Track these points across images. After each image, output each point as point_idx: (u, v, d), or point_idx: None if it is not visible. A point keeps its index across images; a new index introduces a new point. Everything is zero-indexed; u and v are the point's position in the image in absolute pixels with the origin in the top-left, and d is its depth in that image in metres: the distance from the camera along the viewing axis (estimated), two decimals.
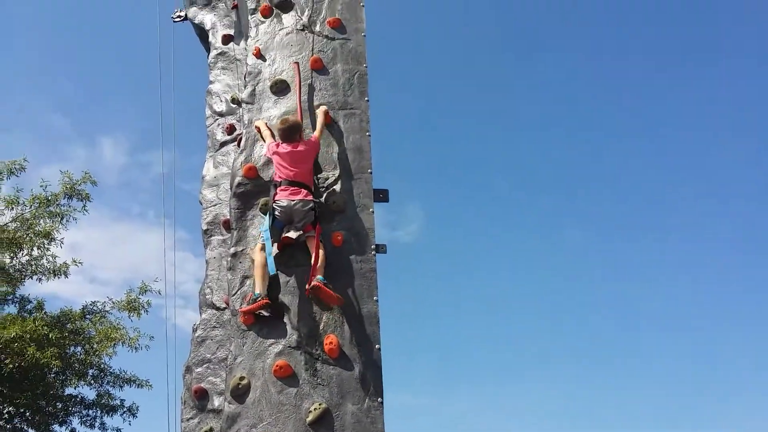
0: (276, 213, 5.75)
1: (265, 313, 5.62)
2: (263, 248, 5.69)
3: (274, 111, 6.60)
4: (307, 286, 5.49)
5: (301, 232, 5.75)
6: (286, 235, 5.79)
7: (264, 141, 6.34)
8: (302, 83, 6.57)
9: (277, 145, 6.06)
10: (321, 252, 5.61)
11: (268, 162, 6.32)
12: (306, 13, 6.93)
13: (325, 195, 6.04)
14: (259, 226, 6.00)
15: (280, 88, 6.67)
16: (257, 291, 5.60)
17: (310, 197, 5.81)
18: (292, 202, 5.73)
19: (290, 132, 6.06)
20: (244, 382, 5.45)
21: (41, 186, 13.65)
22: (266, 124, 6.45)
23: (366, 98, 6.56)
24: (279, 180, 5.89)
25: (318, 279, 5.48)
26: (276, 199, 5.79)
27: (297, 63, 6.69)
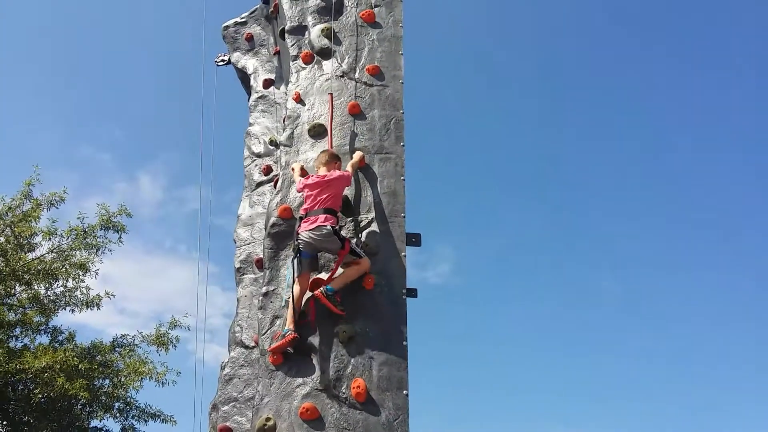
0: (300, 246, 5.82)
1: (290, 350, 5.66)
2: (298, 276, 5.81)
3: (311, 154, 6.72)
4: (315, 291, 5.61)
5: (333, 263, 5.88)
6: (318, 276, 5.86)
7: (296, 175, 6.49)
8: (341, 126, 6.69)
9: (307, 179, 6.17)
10: (348, 270, 5.72)
11: (303, 202, 6.43)
12: (346, 60, 7.11)
13: (358, 237, 6.10)
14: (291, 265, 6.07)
15: (317, 132, 6.81)
16: (286, 327, 5.68)
17: (328, 222, 5.77)
18: (309, 233, 5.75)
19: (330, 159, 6.23)
20: (270, 423, 5.43)
21: (78, 218, 13.97)
22: (302, 167, 6.57)
23: (402, 143, 6.65)
24: (303, 213, 5.98)
25: (324, 289, 5.58)
26: (299, 231, 5.86)
27: (331, 94, 6.89)
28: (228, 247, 8.17)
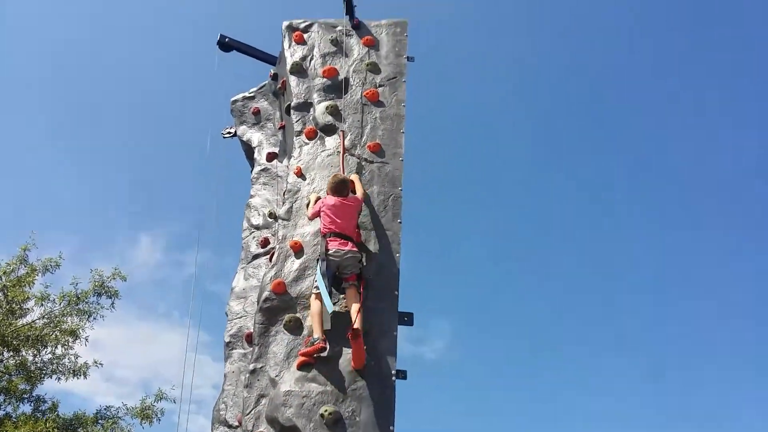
0: (330, 260, 6.02)
1: (323, 354, 5.71)
2: (317, 297, 5.95)
3: (308, 228, 6.65)
4: (349, 330, 5.58)
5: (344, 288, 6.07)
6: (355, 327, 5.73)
7: (310, 208, 6.62)
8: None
9: (324, 199, 6.45)
10: (357, 305, 5.78)
11: (298, 278, 6.32)
12: (348, 137, 7.16)
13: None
14: (315, 275, 6.14)
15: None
16: (316, 335, 5.77)
17: (356, 249, 6.14)
18: (343, 252, 6.05)
19: (340, 186, 6.44)
20: None
21: (72, 283, 13.84)
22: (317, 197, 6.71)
23: (399, 220, 6.60)
24: (327, 231, 6.18)
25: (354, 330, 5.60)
26: (329, 247, 6.07)
27: (343, 132, 7.14)
28: (221, 316, 7.98)
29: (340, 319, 5.91)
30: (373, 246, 6.39)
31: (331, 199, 6.38)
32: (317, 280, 6.03)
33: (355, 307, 5.77)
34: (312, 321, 5.90)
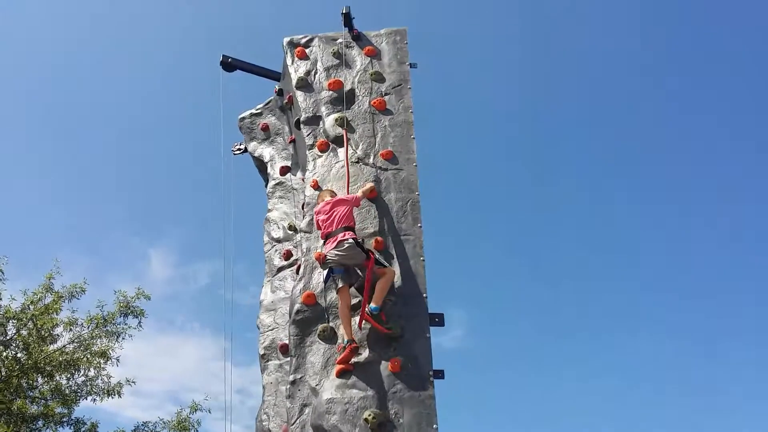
0: (331, 264, 6.27)
1: (361, 359, 5.95)
2: (339, 291, 6.22)
3: (322, 249, 6.87)
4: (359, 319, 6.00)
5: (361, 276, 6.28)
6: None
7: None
8: (359, 210, 6.88)
9: (315, 208, 6.79)
10: (381, 284, 6.09)
11: (327, 288, 6.56)
12: (360, 147, 7.38)
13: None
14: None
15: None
16: (346, 338, 6.00)
17: (350, 235, 6.29)
18: (336, 250, 6.24)
19: (328, 194, 6.83)
20: None
21: (98, 306, 14.15)
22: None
23: (419, 224, 6.82)
24: (324, 236, 6.47)
25: (369, 309, 5.99)
26: (326, 252, 6.33)
27: (345, 130, 7.39)
28: (238, 320, 8.26)
29: (373, 326, 6.15)
30: (396, 252, 6.61)
31: (320, 206, 6.68)
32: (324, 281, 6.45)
33: (381, 281, 6.13)
34: (342, 323, 6.14)
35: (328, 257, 6.28)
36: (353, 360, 6.01)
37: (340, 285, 6.24)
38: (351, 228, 6.41)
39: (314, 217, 6.82)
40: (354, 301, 6.36)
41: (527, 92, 34.37)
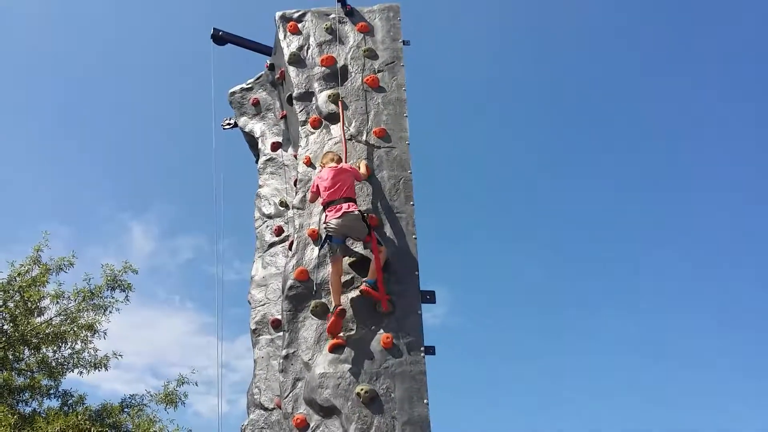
0: (330, 233, 6.30)
1: (352, 333, 6.11)
2: (333, 260, 6.31)
3: (323, 216, 6.93)
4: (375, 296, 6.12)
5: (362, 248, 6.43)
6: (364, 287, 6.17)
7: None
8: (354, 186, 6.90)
9: (320, 172, 6.73)
10: (377, 261, 6.15)
11: (319, 264, 6.62)
12: (353, 124, 7.39)
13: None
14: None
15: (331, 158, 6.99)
16: (334, 304, 6.16)
17: (354, 207, 6.32)
18: (340, 220, 6.25)
19: (336, 159, 6.80)
20: None
21: (84, 280, 14.08)
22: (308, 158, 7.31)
23: (411, 203, 6.87)
24: (325, 203, 6.46)
25: (366, 282, 6.11)
26: (327, 221, 6.35)
27: (342, 100, 7.45)
28: (223, 296, 8.33)
29: (366, 301, 6.25)
30: (389, 229, 6.67)
31: (324, 171, 6.64)
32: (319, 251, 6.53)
33: (373, 266, 6.18)
34: (331, 290, 6.27)
35: (330, 225, 6.28)
36: (346, 334, 6.10)
37: (337, 255, 6.31)
38: (354, 200, 6.44)
39: (314, 180, 6.80)
40: (346, 278, 6.44)
41: (518, 69, 34.28)
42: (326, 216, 6.37)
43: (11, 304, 13.29)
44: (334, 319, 6.06)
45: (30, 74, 34.44)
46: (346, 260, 6.55)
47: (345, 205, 6.30)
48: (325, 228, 6.37)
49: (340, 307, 6.07)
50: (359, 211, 6.33)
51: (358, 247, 6.54)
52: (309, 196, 6.92)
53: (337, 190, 6.40)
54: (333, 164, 6.69)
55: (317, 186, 6.64)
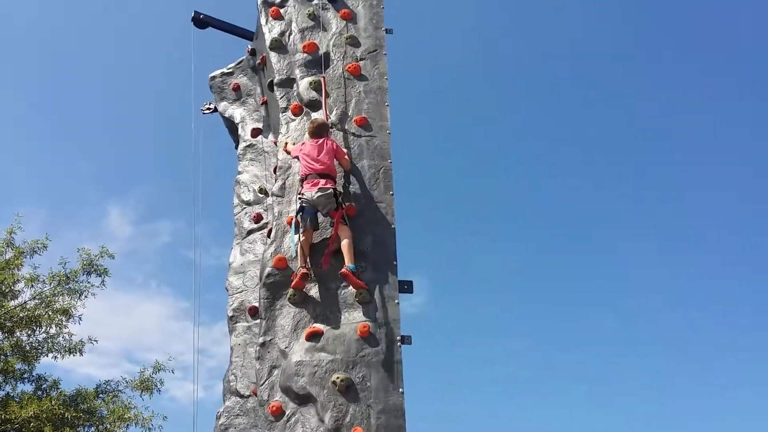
0: (303, 204, 6.47)
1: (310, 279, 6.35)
2: (304, 231, 6.47)
3: (299, 187, 6.87)
4: (321, 261, 6.33)
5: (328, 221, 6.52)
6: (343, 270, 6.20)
7: (289, 153, 7.08)
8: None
9: (303, 144, 6.85)
10: (347, 240, 6.29)
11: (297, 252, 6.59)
12: (334, 112, 7.35)
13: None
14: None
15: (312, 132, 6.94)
16: (299, 265, 6.33)
17: (330, 184, 6.47)
18: (314, 193, 6.42)
19: (319, 129, 6.85)
20: None
21: (60, 263, 13.94)
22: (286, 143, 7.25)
23: (391, 192, 6.87)
24: (304, 175, 6.60)
25: (348, 267, 6.16)
26: (301, 192, 6.53)
27: (324, 77, 7.47)
28: (200, 281, 8.30)
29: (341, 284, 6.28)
30: (367, 218, 6.66)
31: (308, 143, 6.79)
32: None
33: (345, 244, 6.29)
34: (299, 254, 6.41)
35: (304, 196, 6.48)
36: (322, 327, 6.09)
37: (308, 225, 6.49)
38: (331, 176, 6.58)
39: (299, 148, 6.84)
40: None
41: (499, 61, 34.35)
42: (302, 187, 6.56)
43: None
44: (298, 279, 6.26)
45: (5, 55, 33.83)
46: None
47: (322, 181, 6.49)
48: (299, 199, 6.54)
49: (303, 271, 6.27)
50: (333, 188, 6.47)
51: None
52: (291, 151, 7.04)
53: (320, 164, 6.58)
54: (316, 137, 6.79)
55: (299, 157, 6.81)
